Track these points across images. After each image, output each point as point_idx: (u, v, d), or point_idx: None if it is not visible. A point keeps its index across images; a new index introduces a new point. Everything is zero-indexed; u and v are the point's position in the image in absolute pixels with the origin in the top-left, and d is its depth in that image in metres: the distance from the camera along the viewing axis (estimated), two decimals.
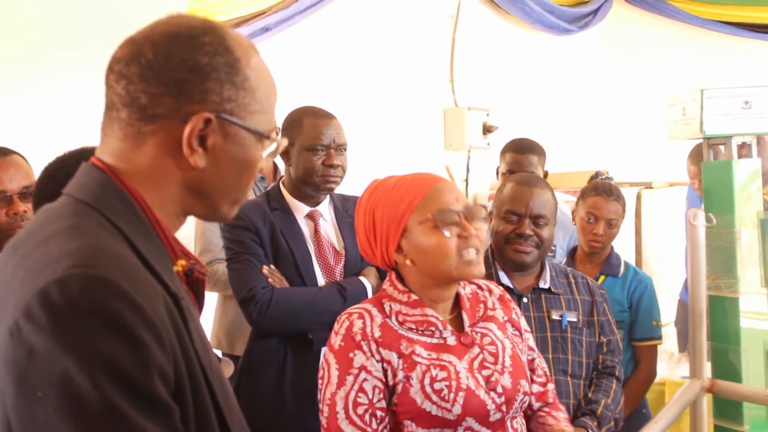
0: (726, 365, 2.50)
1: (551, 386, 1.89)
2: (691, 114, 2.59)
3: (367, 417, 1.58)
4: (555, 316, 2.27)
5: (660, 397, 3.38)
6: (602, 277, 2.92)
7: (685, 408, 2.40)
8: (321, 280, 2.37)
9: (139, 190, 1.03)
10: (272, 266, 2.33)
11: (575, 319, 2.28)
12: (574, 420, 2.20)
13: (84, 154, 1.48)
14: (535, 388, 1.84)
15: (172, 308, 0.96)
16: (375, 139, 4.26)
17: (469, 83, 5.18)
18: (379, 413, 1.59)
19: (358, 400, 1.58)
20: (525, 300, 2.28)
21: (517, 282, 2.31)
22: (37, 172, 1.79)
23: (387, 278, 1.76)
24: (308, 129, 2.34)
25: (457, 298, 1.77)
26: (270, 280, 2.29)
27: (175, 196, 1.06)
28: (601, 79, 6.64)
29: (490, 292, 1.85)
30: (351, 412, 1.58)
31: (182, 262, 1.08)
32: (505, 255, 2.28)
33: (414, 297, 1.70)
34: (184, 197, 1.07)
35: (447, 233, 1.63)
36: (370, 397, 1.59)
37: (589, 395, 2.27)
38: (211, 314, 3.08)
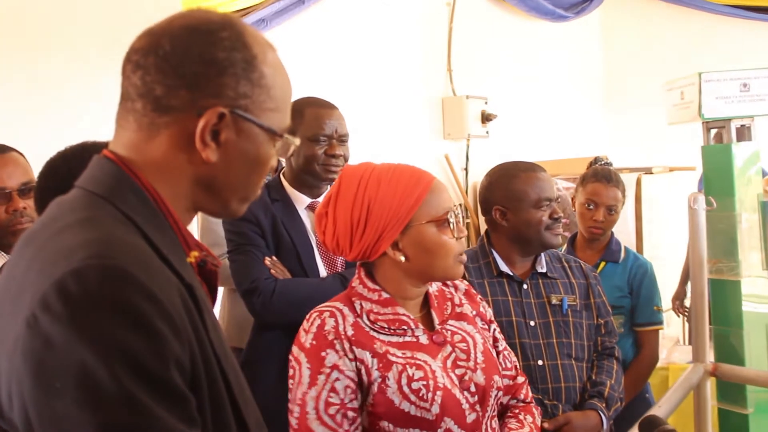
0: (728, 349, 2.51)
1: (522, 380, 1.89)
2: (690, 98, 2.59)
3: (338, 417, 1.55)
4: (555, 301, 2.29)
5: (664, 382, 3.39)
6: (603, 264, 2.92)
7: (689, 392, 2.41)
8: (323, 272, 2.37)
9: (152, 183, 1.03)
10: (274, 258, 2.33)
11: (574, 303, 2.31)
12: (582, 403, 2.23)
13: (85, 149, 1.49)
14: (505, 381, 1.80)
15: (186, 299, 0.97)
16: (374, 130, 4.25)
17: (467, 72, 5.16)
18: (350, 414, 1.56)
19: (330, 400, 1.55)
20: (525, 287, 2.29)
21: (515, 269, 2.32)
22: (35, 169, 1.80)
23: (356, 276, 1.73)
24: (310, 119, 2.33)
25: (426, 296, 1.76)
26: (272, 271, 2.28)
27: (187, 190, 1.06)
28: (599, 65, 6.62)
29: (456, 288, 1.85)
30: (322, 412, 1.55)
31: (195, 253, 1.08)
32: (543, 242, 2.29)
33: (385, 295, 1.67)
34: (195, 192, 1.07)
35: (452, 234, 1.65)
36: (342, 397, 1.56)
37: (593, 377, 2.29)
38: (216, 309, 3.08)
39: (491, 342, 1.82)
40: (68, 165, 1.46)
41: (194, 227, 3.01)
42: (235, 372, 1.07)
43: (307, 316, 1.66)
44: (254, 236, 2.32)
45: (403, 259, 1.65)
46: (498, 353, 1.83)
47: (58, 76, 3.08)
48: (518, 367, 1.90)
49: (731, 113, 2.55)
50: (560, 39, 6.06)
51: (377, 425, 1.58)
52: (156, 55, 1.02)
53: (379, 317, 1.65)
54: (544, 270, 2.33)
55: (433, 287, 1.79)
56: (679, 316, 4.64)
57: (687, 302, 4.58)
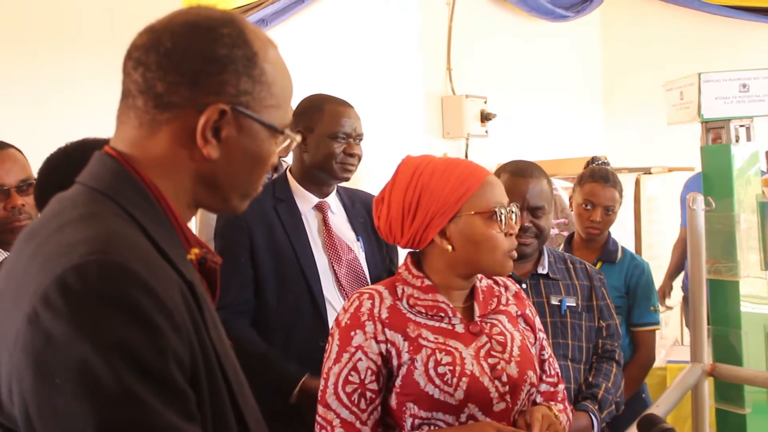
0: (727, 349, 2.50)
1: (562, 387, 1.89)
2: (689, 98, 2.58)
3: (355, 396, 1.61)
4: (554, 301, 2.28)
5: (661, 382, 3.39)
6: (599, 263, 2.92)
7: (687, 392, 2.40)
8: (322, 272, 2.35)
9: (153, 179, 1.04)
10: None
11: (574, 304, 2.29)
12: (575, 404, 2.21)
13: (86, 145, 1.49)
14: (544, 387, 1.83)
15: (187, 295, 0.98)
16: (373, 129, 4.23)
17: (467, 71, 5.16)
18: (369, 394, 1.62)
19: (350, 378, 1.62)
20: (524, 286, 2.28)
21: (515, 268, 2.31)
22: (33, 166, 1.79)
23: (403, 263, 1.78)
24: (330, 116, 2.34)
25: (472, 289, 1.78)
26: None
27: (188, 186, 1.07)
28: (599, 64, 6.62)
29: (506, 288, 1.87)
30: (340, 389, 1.62)
31: (195, 250, 1.09)
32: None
33: (428, 282, 1.71)
34: (195, 188, 1.07)
35: (502, 228, 1.67)
36: (362, 377, 1.62)
37: (590, 379, 2.28)
38: None
39: (537, 348, 1.83)
40: (69, 161, 1.46)
41: (192, 222, 3.00)
42: (234, 370, 1.07)
43: (349, 296, 1.73)
44: (236, 248, 2.28)
45: (450, 248, 1.68)
46: (543, 360, 1.85)
47: (59, 72, 3.08)
48: (559, 375, 1.91)
49: (730, 114, 2.55)
50: (560, 38, 6.06)
51: (404, 407, 1.62)
52: (157, 52, 1.02)
53: (419, 302, 1.69)
54: (545, 271, 2.32)
55: (483, 282, 1.81)
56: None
57: (670, 302, 4.59)
